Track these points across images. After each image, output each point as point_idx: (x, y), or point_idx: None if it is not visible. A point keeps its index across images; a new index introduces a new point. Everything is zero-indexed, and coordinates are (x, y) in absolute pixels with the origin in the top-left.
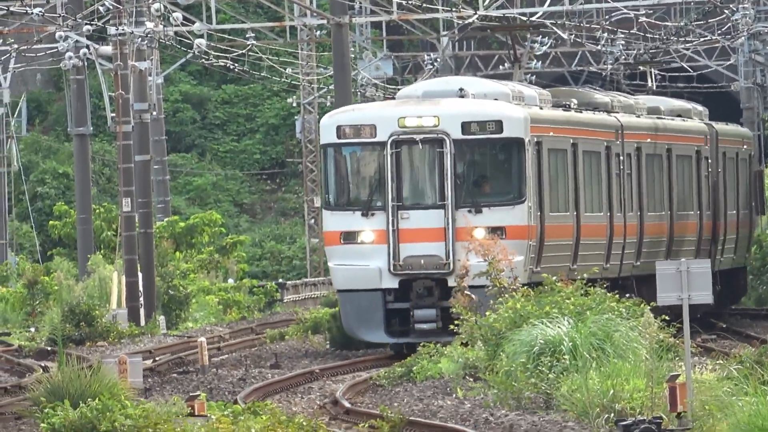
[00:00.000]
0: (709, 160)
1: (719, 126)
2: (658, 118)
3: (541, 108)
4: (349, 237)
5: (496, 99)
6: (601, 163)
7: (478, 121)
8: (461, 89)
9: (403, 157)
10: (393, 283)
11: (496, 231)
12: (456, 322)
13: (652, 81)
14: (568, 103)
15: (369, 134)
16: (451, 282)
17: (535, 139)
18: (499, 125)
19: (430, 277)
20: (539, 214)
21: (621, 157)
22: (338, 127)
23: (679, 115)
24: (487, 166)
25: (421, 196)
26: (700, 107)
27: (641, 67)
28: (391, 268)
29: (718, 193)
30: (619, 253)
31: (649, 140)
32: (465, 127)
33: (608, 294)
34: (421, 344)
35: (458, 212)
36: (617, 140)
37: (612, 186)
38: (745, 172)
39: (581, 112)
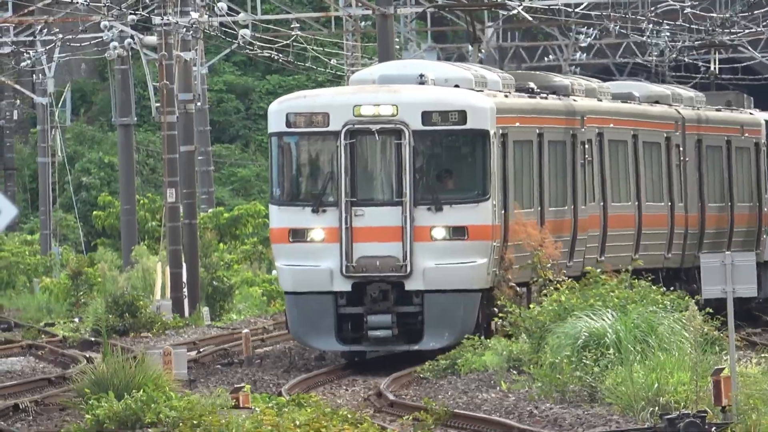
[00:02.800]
0: (681, 148)
1: (688, 112)
2: (623, 102)
3: (506, 95)
4: (298, 235)
5: (457, 85)
6: (567, 153)
7: (439, 110)
8: (421, 75)
9: (358, 148)
10: (345, 286)
11: (457, 231)
12: (500, 314)
13: (715, 66)
14: (530, 87)
15: (321, 123)
16: (409, 285)
17: (501, 131)
18: (462, 116)
19: (386, 280)
20: (503, 212)
21: (586, 145)
22: (287, 115)
23: (657, 101)
24: (449, 161)
25: (377, 191)
26: (691, 93)
27: (700, 56)
28: (344, 270)
29: (686, 182)
30: (582, 249)
31: (611, 125)
32: (425, 117)
33: (653, 287)
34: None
35: (417, 210)
36: (582, 127)
37: (576, 177)
38: (746, 162)
39: (546, 98)
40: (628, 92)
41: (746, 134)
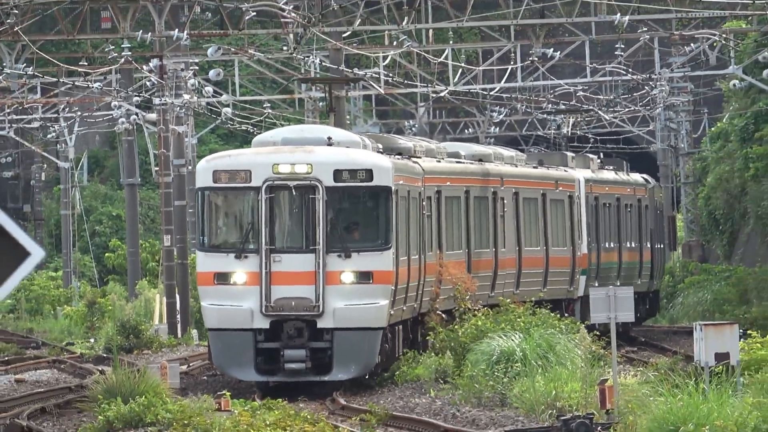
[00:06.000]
0: (504, 201)
1: (507, 169)
2: (458, 162)
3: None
4: (223, 278)
5: (348, 147)
6: (417, 208)
7: (349, 169)
8: (329, 138)
9: (277, 202)
10: (264, 324)
11: (363, 276)
12: (429, 335)
13: (568, 128)
14: (380, 150)
15: (244, 179)
16: (321, 323)
17: (394, 187)
18: (369, 174)
19: (301, 319)
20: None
21: (424, 202)
22: (214, 172)
23: (481, 160)
24: (357, 213)
25: (293, 240)
26: (512, 152)
27: (562, 116)
28: (263, 309)
29: (505, 230)
30: (422, 292)
31: (448, 183)
32: (337, 174)
33: (551, 314)
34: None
35: (328, 257)
36: (421, 185)
37: (423, 228)
38: (560, 212)
39: (402, 159)
40: (456, 151)
41: (560, 188)
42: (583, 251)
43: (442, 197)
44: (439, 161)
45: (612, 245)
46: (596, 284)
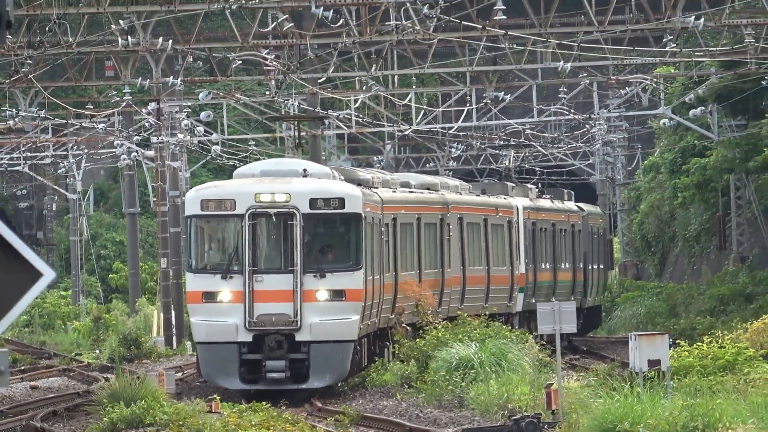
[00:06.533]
0: (450, 225)
1: (452, 196)
2: (410, 191)
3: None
4: (210, 296)
5: (320, 178)
6: (377, 233)
7: (323, 197)
8: (305, 170)
9: (259, 227)
10: (248, 337)
11: (337, 294)
12: (395, 346)
13: (510, 161)
14: (342, 178)
15: (229, 207)
16: (299, 337)
17: (364, 214)
18: (341, 202)
19: (280, 333)
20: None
21: (383, 228)
22: (202, 201)
23: (428, 188)
24: (331, 237)
25: (273, 262)
26: (457, 182)
27: (503, 151)
28: (247, 324)
29: (451, 252)
30: (382, 308)
31: (403, 211)
32: (312, 203)
33: (503, 326)
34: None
35: (305, 276)
36: (380, 212)
37: (383, 251)
38: (500, 236)
39: (364, 189)
40: (407, 181)
41: (501, 214)
42: (521, 271)
43: (398, 224)
44: (394, 191)
45: (547, 266)
46: (533, 301)
